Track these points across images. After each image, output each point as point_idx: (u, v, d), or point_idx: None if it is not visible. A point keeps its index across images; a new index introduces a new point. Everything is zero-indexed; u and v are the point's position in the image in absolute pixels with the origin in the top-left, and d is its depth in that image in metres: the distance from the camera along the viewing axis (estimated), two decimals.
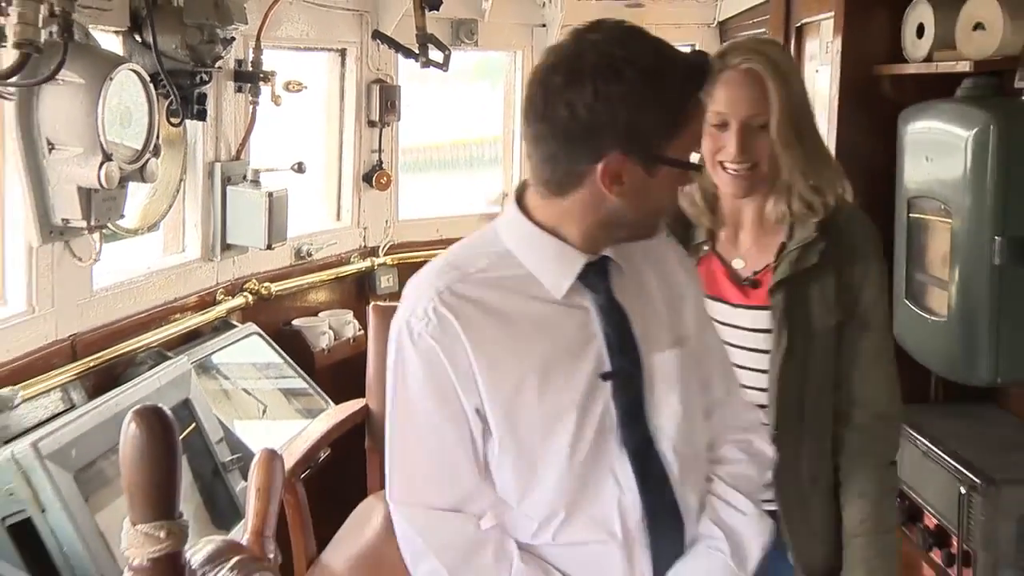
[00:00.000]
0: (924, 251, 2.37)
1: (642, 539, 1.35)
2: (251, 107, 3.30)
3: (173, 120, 2.82)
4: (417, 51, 3.71)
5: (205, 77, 2.82)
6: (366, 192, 4.01)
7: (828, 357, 1.73)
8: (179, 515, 1.14)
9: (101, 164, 2.29)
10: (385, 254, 4.09)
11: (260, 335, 3.25)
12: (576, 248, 1.34)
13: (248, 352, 3.20)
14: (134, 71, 2.42)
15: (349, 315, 3.78)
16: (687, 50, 1.37)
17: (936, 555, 2.19)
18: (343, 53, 3.87)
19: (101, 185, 2.31)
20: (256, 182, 3.31)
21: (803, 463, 1.74)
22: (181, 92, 2.75)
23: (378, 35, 3.75)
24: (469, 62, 4.50)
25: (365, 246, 4.05)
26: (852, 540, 1.72)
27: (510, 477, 1.34)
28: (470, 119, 4.76)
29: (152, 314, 2.90)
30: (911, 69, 2.44)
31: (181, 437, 1.16)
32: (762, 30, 3.85)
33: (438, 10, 3.73)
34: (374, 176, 3.98)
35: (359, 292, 3.99)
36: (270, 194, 3.23)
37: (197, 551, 1.32)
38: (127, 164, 2.40)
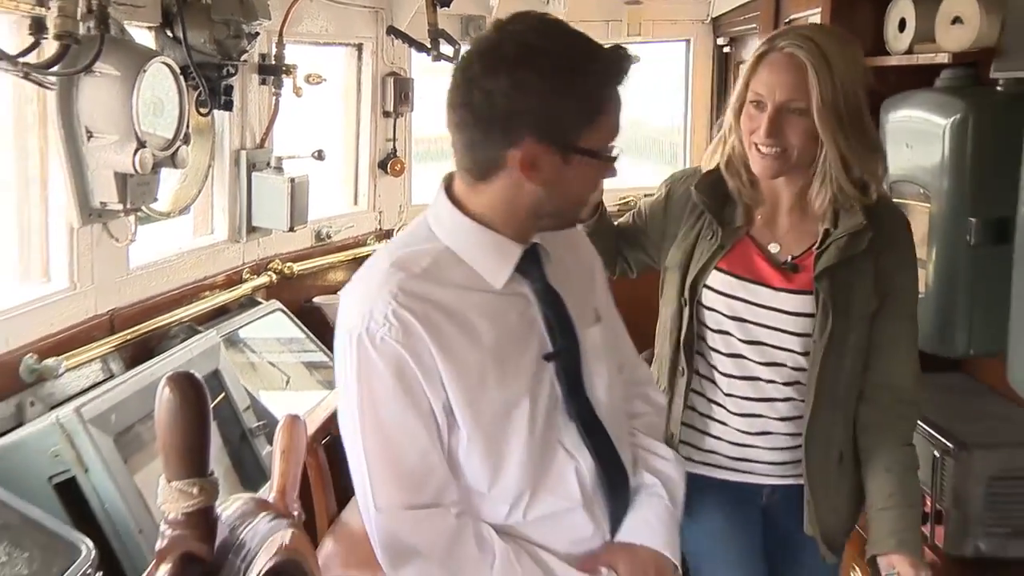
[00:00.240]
0: None
1: (599, 499, 1.37)
2: (274, 98, 3.29)
3: (202, 110, 2.81)
4: (429, 46, 3.69)
5: (231, 70, 2.81)
6: (381, 178, 4.00)
7: (863, 341, 1.69)
8: (210, 473, 1.14)
9: (136, 151, 2.29)
10: None
11: (283, 311, 3.26)
12: (508, 238, 1.31)
13: (272, 327, 3.21)
14: (166, 64, 2.42)
15: None
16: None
17: None
18: (360, 48, 3.85)
19: (136, 171, 2.31)
20: (279, 168, 3.31)
21: (833, 441, 1.71)
22: (209, 84, 2.74)
23: (392, 31, 3.73)
24: None
25: (380, 229, 4.05)
26: (880, 513, 1.67)
27: (478, 466, 1.31)
28: None
29: (183, 291, 2.91)
30: (893, 61, 2.42)
31: (212, 405, 1.16)
32: (752, 26, 3.82)
33: (448, 7, 3.72)
34: (389, 163, 3.97)
35: None
36: (292, 180, 3.23)
37: (228, 507, 1.33)
38: (160, 151, 2.40)
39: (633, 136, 4.84)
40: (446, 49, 3.71)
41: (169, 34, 2.66)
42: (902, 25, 2.37)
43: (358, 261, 3.98)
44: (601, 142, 1.27)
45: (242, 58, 2.83)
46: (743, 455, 1.76)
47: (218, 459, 2.51)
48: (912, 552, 1.62)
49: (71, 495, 2.05)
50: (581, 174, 1.27)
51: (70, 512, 2.03)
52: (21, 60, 2.01)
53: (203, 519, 1.12)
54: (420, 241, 1.33)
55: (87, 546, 1.88)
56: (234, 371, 2.72)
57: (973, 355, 2.20)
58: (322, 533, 2.49)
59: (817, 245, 1.67)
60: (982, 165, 1.98)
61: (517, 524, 1.34)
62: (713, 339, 1.73)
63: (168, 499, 1.11)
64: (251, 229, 3.26)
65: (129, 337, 2.60)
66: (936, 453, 2.01)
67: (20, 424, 2.17)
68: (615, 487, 1.39)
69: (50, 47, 2.05)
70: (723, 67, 4.44)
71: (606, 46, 1.27)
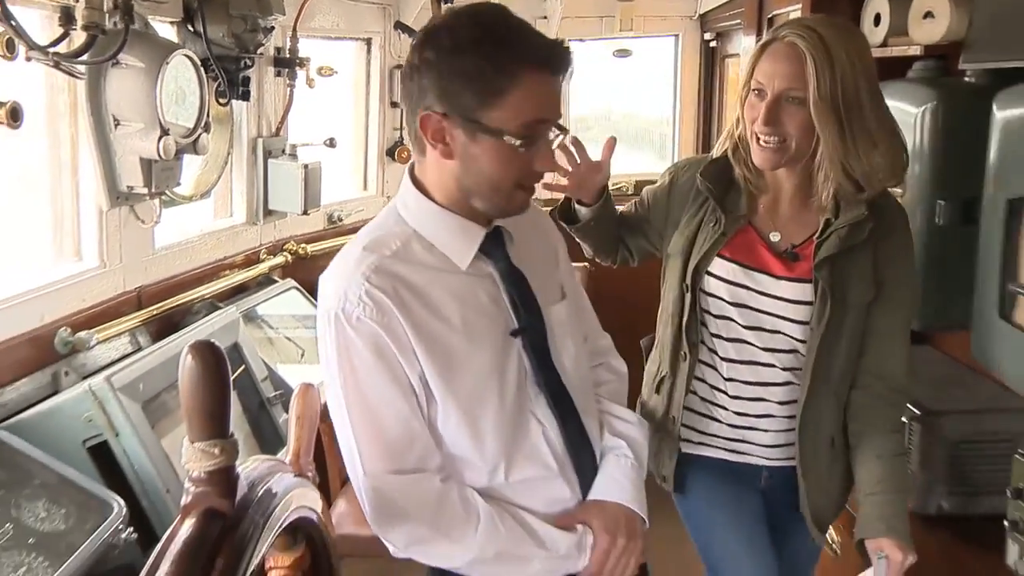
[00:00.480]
0: None
1: (568, 464, 1.38)
2: (289, 89, 3.28)
3: (221, 100, 2.80)
4: None
5: (248, 62, 2.80)
6: (389, 165, 3.99)
7: (859, 329, 1.64)
8: (231, 435, 1.15)
9: (160, 138, 2.29)
10: None
11: (298, 289, 3.26)
12: (472, 220, 1.31)
13: (288, 304, 3.21)
14: (187, 56, 2.41)
15: None
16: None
17: None
18: (369, 42, 3.83)
19: (160, 156, 2.31)
20: (293, 155, 3.30)
21: (825, 426, 1.67)
22: (228, 75, 2.73)
23: (400, 25, 3.71)
24: None
25: None
26: (869, 498, 1.62)
27: (456, 434, 1.32)
28: None
29: (205, 270, 2.92)
30: None
31: (232, 377, 1.17)
32: (737, 22, 3.79)
33: (452, 3, 3.68)
34: (396, 151, 3.96)
35: None
36: (305, 166, 3.22)
37: (247, 467, 1.34)
38: (182, 139, 2.40)
39: (626, 127, 4.85)
40: None
41: (190, 28, 2.65)
42: (877, 20, 2.35)
43: None
44: (509, 123, 1.22)
45: (258, 51, 2.81)
46: (742, 437, 1.73)
47: (238, 426, 2.53)
48: (901, 537, 1.57)
49: (103, 457, 2.07)
50: (490, 153, 1.24)
51: (102, 473, 2.05)
52: (51, 50, 2.00)
53: (224, 477, 1.13)
54: (390, 226, 1.34)
55: (119, 504, 1.91)
56: (252, 344, 2.73)
57: (940, 329, 2.20)
58: (335, 493, 2.51)
59: (818, 234, 1.62)
60: (950, 151, 1.97)
61: (499, 486, 1.35)
62: (715, 324, 1.69)
63: (192, 459, 1.12)
64: (267, 212, 3.26)
65: (155, 312, 2.61)
66: (904, 419, 2.02)
67: (56, 392, 2.19)
68: (581, 454, 1.40)
69: (78, 38, 2.04)
70: (710, 61, 4.41)
71: (541, 37, 1.25)
